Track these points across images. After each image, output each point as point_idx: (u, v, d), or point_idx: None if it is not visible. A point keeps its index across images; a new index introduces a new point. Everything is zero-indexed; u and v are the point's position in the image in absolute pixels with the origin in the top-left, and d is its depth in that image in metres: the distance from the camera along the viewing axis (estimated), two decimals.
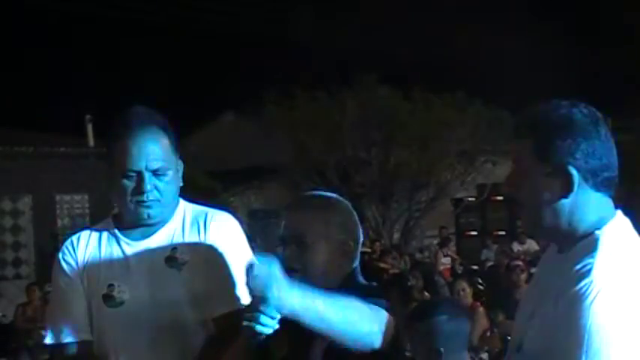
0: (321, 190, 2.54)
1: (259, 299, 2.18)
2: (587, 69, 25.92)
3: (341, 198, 2.42)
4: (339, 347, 2.14)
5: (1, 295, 15.41)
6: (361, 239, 2.36)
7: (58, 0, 21.02)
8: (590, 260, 1.76)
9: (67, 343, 2.56)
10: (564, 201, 1.83)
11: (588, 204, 1.83)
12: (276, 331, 2.17)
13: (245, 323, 2.16)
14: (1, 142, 17.51)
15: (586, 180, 1.82)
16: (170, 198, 2.55)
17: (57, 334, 2.58)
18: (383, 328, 2.14)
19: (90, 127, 19.42)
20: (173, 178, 2.54)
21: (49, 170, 17.62)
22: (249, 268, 2.03)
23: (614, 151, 1.86)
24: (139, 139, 2.48)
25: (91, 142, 19.29)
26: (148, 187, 2.48)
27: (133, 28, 23.73)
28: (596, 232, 1.82)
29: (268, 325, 2.15)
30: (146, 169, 2.47)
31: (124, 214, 2.59)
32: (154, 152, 2.48)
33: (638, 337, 1.69)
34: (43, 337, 2.67)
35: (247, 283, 2.04)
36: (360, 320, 2.10)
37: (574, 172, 1.81)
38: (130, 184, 2.49)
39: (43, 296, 11.14)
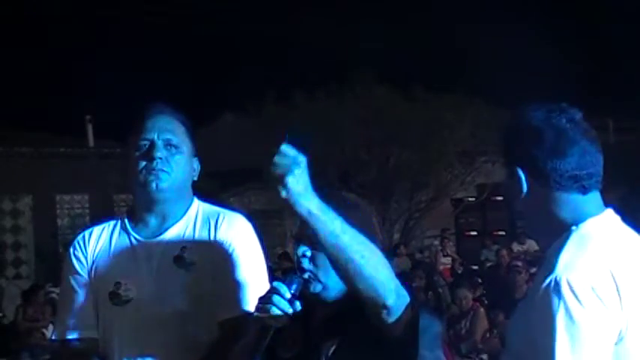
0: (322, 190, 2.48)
1: (272, 290, 2.12)
2: (587, 69, 25.92)
3: (359, 199, 2.36)
4: (348, 348, 2.08)
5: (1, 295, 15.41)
6: (379, 242, 2.22)
7: (59, 0, 21.01)
8: (558, 256, 1.83)
9: (72, 340, 2.56)
10: (525, 199, 1.92)
11: (554, 202, 1.90)
12: (284, 330, 2.12)
13: (256, 314, 2.11)
14: (1, 142, 17.52)
15: (537, 179, 1.90)
16: (180, 177, 2.55)
17: (62, 330, 2.58)
18: (401, 303, 2.06)
19: (90, 127, 19.45)
20: (186, 161, 2.57)
21: (49, 170, 17.61)
22: (273, 155, 1.92)
23: (579, 150, 1.89)
24: (153, 118, 2.56)
25: (91, 142, 19.31)
26: (159, 154, 2.51)
27: (133, 28, 23.71)
28: (572, 228, 1.88)
29: (283, 308, 2.06)
30: (158, 137, 2.52)
31: (135, 194, 2.60)
32: (167, 126, 2.55)
33: (600, 327, 1.75)
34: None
35: (268, 172, 1.94)
36: (377, 263, 1.99)
37: (520, 173, 1.91)
38: (141, 154, 2.53)
39: (43, 296, 11.14)
